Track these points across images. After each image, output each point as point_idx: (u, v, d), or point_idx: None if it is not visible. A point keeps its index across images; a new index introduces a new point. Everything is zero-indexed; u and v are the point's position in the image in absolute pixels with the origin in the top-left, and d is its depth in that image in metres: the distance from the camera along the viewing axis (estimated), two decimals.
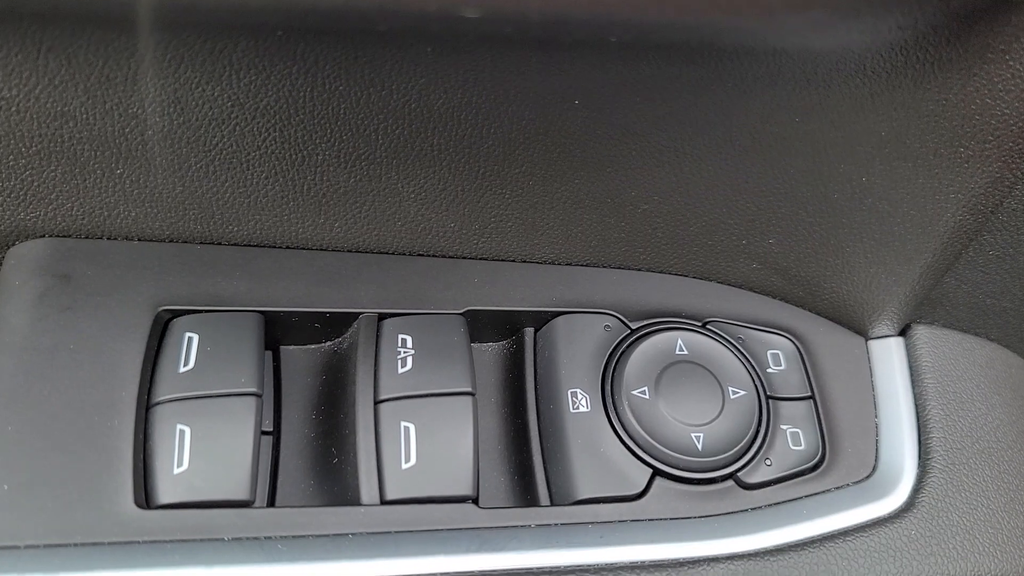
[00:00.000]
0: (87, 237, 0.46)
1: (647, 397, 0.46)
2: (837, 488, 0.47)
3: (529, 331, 0.49)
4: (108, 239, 0.46)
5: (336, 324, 0.47)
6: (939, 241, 0.46)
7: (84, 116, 0.40)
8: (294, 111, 0.40)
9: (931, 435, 0.49)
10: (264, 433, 0.45)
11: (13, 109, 0.39)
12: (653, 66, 0.37)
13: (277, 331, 0.47)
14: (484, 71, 0.38)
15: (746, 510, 0.45)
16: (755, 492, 0.46)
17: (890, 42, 0.35)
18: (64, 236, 0.46)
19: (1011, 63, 0.38)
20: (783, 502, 0.46)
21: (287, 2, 0.27)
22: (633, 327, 0.49)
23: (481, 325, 0.48)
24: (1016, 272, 0.49)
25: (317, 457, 0.45)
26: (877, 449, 0.49)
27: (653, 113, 0.40)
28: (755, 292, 0.52)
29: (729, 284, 0.51)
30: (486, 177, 0.45)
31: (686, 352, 0.48)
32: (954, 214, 0.45)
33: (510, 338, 0.50)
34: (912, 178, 0.43)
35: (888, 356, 0.51)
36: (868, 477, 0.48)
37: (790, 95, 0.39)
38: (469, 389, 0.44)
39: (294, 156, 0.43)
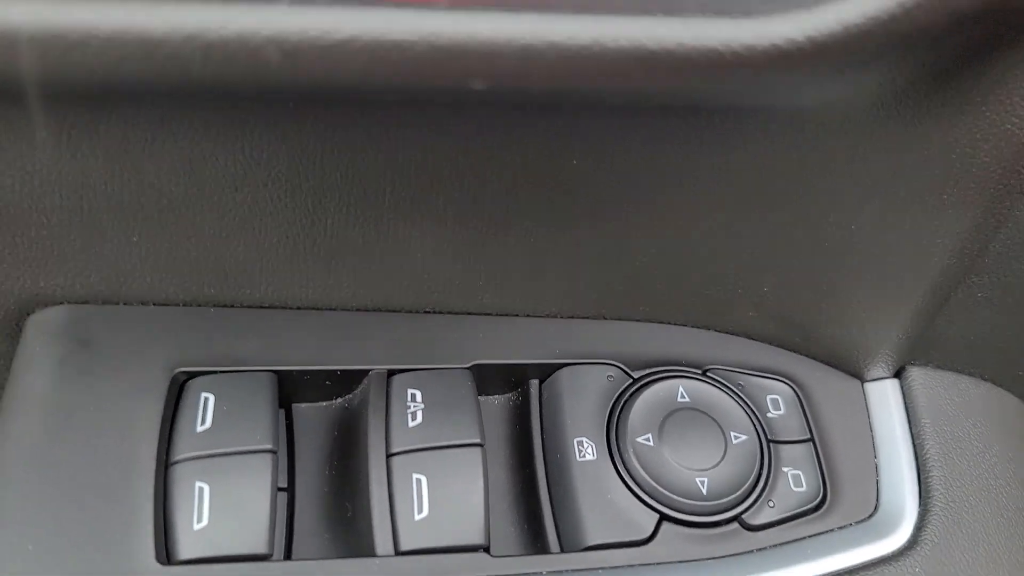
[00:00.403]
0: (104, 303, 0.47)
1: (651, 444, 0.47)
2: (840, 528, 0.48)
3: (534, 383, 0.50)
4: (125, 304, 0.48)
5: (347, 381, 0.48)
6: (928, 284, 0.48)
7: (103, 186, 0.41)
8: (304, 174, 0.42)
9: (931, 474, 0.50)
10: (279, 489, 0.46)
11: (37, 181, 0.41)
12: (646, 126, 0.39)
13: (290, 389, 0.48)
14: (485, 132, 0.40)
15: (751, 551, 0.46)
16: (759, 533, 0.47)
17: (873, 98, 0.37)
18: (82, 302, 0.47)
19: (988, 114, 0.40)
20: (787, 543, 0.47)
21: (299, 79, 0.29)
22: (635, 376, 0.50)
23: (488, 378, 0.50)
24: (1005, 313, 0.51)
25: (332, 511, 0.46)
26: (878, 489, 0.50)
27: (648, 170, 0.42)
28: (753, 339, 0.53)
29: (727, 332, 0.53)
30: (489, 232, 0.46)
31: (688, 399, 0.49)
32: (941, 257, 0.46)
33: (516, 390, 0.51)
34: (900, 224, 0.45)
35: (884, 398, 0.53)
36: (870, 517, 0.49)
37: (779, 149, 0.41)
38: (478, 441, 0.45)
39: (304, 218, 0.44)
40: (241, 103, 0.37)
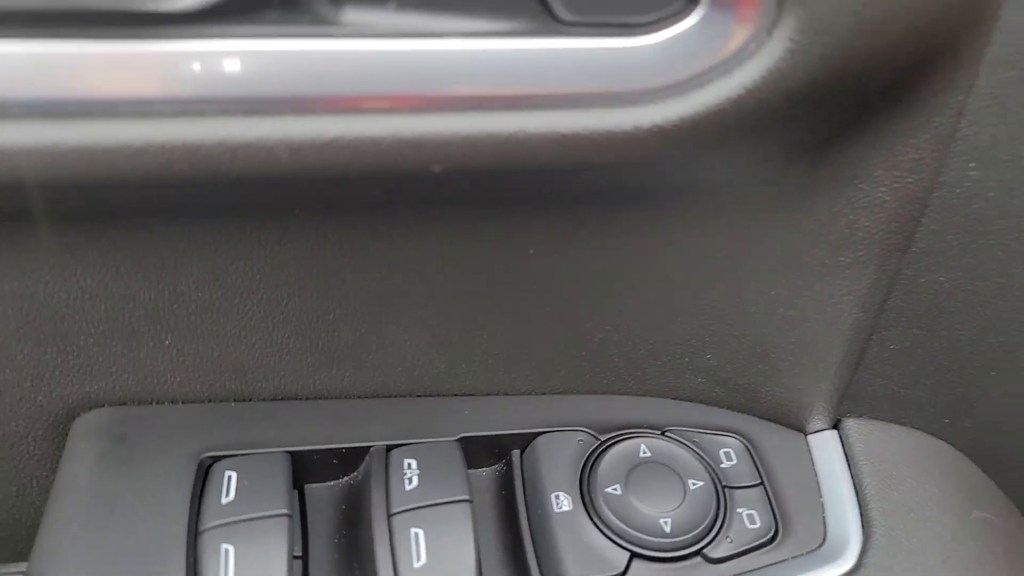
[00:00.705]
0: (139, 403, 0.55)
1: (619, 493, 0.54)
2: (793, 557, 0.54)
3: (516, 453, 0.57)
4: (157, 403, 0.55)
5: (352, 458, 0.55)
6: (843, 340, 0.56)
7: (142, 297, 0.50)
8: (308, 279, 0.51)
9: (870, 507, 0.56)
10: (295, 557, 0.53)
11: (87, 296, 0.49)
12: (586, 221, 0.48)
13: (302, 470, 0.55)
14: (454, 238, 0.49)
15: None
16: (720, 565, 0.53)
17: (759, 175, 0.47)
18: (120, 404, 0.55)
19: (860, 186, 0.49)
20: (747, 572, 0.53)
21: (304, 173, 0.38)
22: (603, 439, 0.57)
23: (475, 450, 0.57)
24: (917, 364, 0.59)
25: (342, 572, 0.53)
26: (824, 523, 0.56)
27: (592, 259, 0.51)
28: (706, 403, 0.61)
29: (681, 399, 0.61)
30: (466, 326, 0.55)
31: (649, 454, 0.56)
32: (850, 314, 0.55)
33: (501, 461, 0.58)
34: (810, 286, 0.54)
35: (826, 447, 0.60)
36: (820, 547, 0.55)
37: (696, 233, 0.50)
38: (467, 497, 0.52)
39: (310, 317, 0.53)
40: (257, 213, 0.46)
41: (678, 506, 0.54)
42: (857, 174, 0.48)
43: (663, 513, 0.53)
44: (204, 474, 0.53)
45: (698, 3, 0.35)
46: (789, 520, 0.56)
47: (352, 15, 0.35)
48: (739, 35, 0.36)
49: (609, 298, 0.54)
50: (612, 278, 0.53)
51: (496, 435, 0.57)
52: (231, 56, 0.33)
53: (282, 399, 0.57)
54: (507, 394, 0.59)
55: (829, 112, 0.42)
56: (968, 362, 0.59)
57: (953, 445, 0.64)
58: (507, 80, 0.35)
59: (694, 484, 0.55)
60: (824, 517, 0.56)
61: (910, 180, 0.48)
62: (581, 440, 0.57)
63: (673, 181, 0.45)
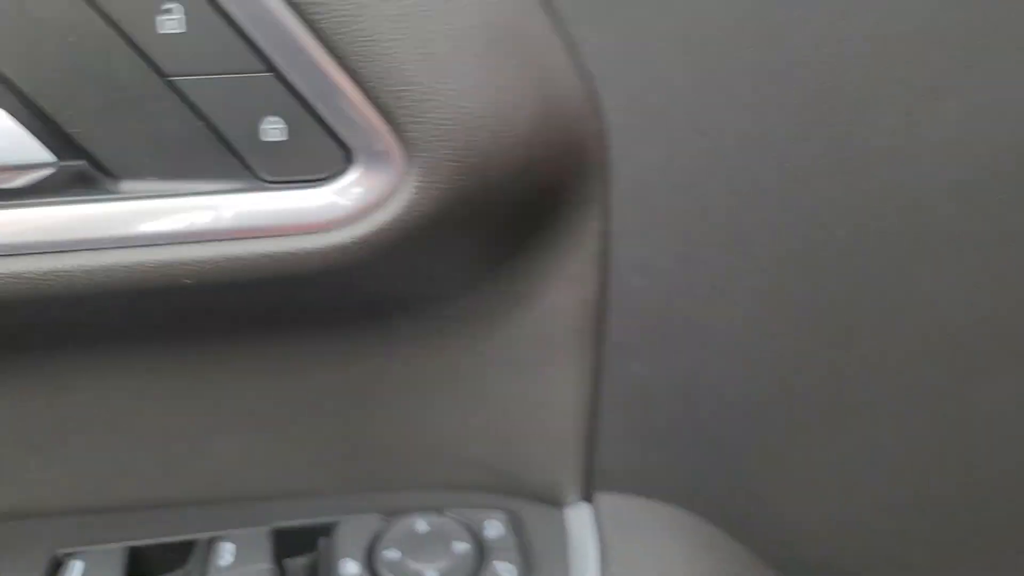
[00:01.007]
0: None
1: (398, 557, 0.67)
2: None
3: (322, 539, 0.71)
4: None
5: (182, 551, 0.68)
6: (572, 424, 0.71)
7: None
8: (136, 404, 0.67)
9: (612, 568, 0.69)
10: None
11: None
12: (337, 331, 0.65)
13: (143, 562, 0.68)
14: (247, 355, 0.66)
15: None
16: None
17: (457, 286, 0.64)
18: None
19: (548, 293, 0.66)
20: None
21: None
22: (389, 519, 0.71)
23: (288, 540, 0.70)
24: (656, 442, 0.73)
25: None
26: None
27: (354, 366, 0.68)
28: (481, 490, 0.75)
29: (462, 487, 0.75)
30: (276, 433, 0.70)
31: (427, 528, 0.70)
32: (570, 401, 0.70)
33: (313, 550, 0.71)
34: (532, 379, 0.69)
35: (579, 518, 0.73)
36: None
37: (427, 337, 0.67)
38: (269, 566, 0.65)
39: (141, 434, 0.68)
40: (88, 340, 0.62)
41: (447, 563, 0.67)
42: (540, 283, 0.66)
43: (433, 568, 0.66)
44: (54, 569, 0.66)
45: (354, 163, 0.54)
46: (539, 573, 0.69)
47: (126, 186, 0.53)
48: (385, 181, 0.54)
49: (378, 406, 0.69)
50: (378, 386, 0.69)
51: (304, 525, 0.70)
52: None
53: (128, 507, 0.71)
54: (320, 493, 0.73)
55: (483, 231, 0.60)
56: (694, 437, 0.74)
57: (703, 516, 0.77)
58: (231, 221, 0.54)
59: (459, 547, 0.68)
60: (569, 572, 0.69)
61: (580, 288, 0.66)
62: (372, 522, 0.71)
63: (383, 291, 0.62)
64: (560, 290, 0.66)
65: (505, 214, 0.59)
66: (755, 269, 0.66)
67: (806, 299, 0.68)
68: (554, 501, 0.74)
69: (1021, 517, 0.80)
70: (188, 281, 0.53)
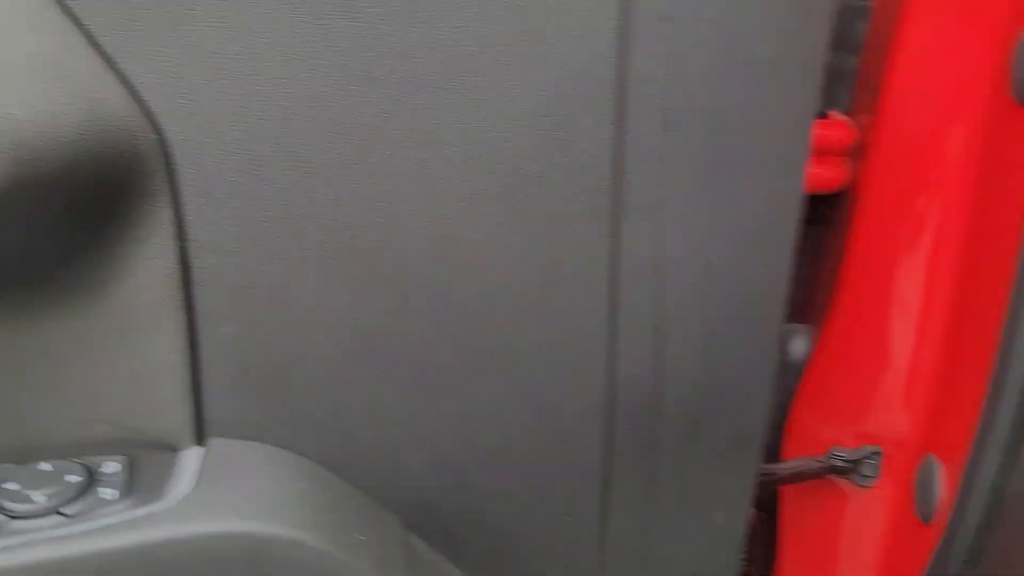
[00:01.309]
0: None
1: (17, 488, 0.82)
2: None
3: None
4: None
5: None
6: (172, 377, 0.88)
7: None
8: None
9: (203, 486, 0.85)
10: None
11: None
12: None
13: None
14: None
15: None
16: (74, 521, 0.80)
17: (42, 271, 0.81)
18: None
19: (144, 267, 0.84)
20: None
21: None
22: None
23: None
24: (246, 393, 0.90)
25: None
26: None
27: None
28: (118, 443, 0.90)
29: (102, 444, 0.90)
30: None
31: (50, 468, 0.85)
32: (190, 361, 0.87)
33: None
34: (128, 349, 0.86)
35: (188, 457, 0.89)
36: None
37: (39, 315, 0.84)
38: None
39: None
40: None
41: (54, 490, 0.82)
42: (127, 262, 0.83)
43: (39, 494, 0.81)
44: None
45: None
46: (140, 494, 0.84)
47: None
48: None
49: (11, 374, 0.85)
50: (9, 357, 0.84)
51: None
52: None
53: None
54: None
55: (55, 213, 0.77)
56: (290, 388, 0.91)
57: (306, 456, 0.94)
58: None
59: (72, 479, 0.83)
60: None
61: (162, 265, 0.83)
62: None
63: None
64: (146, 268, 0.83)
65: (72, 199, 0.76)
66: (307, 245, 0.85)
67: (355, 269, 0.87)
68: (170, 446, 0.90)
69: None
70: None
